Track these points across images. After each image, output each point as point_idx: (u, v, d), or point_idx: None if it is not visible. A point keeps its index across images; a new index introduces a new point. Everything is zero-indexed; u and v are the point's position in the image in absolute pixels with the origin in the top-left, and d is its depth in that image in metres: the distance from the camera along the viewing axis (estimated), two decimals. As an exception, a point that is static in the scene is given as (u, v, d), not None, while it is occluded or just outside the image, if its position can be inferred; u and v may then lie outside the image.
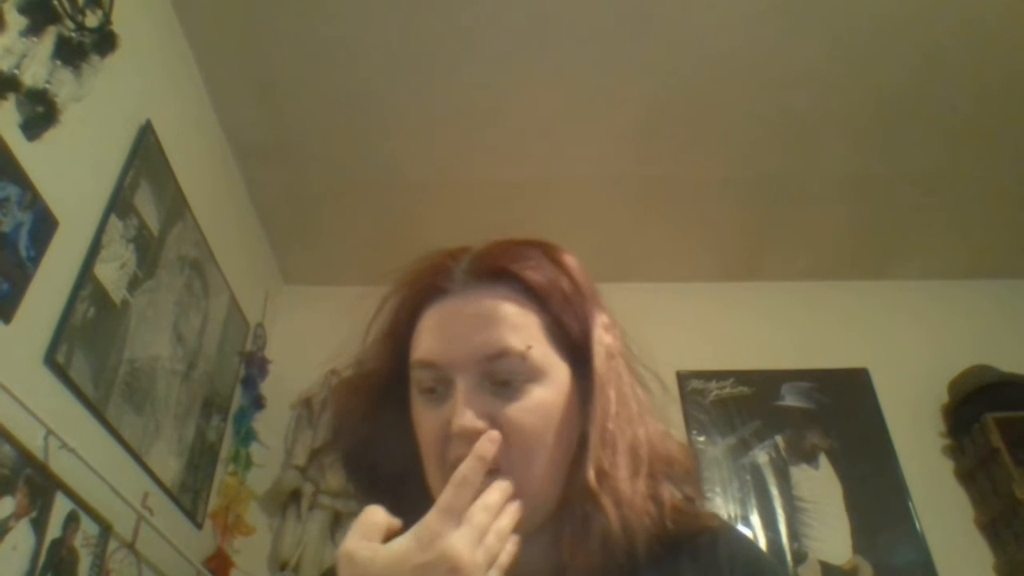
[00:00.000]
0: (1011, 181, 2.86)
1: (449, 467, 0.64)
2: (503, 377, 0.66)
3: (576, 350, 0.70)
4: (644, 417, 0.71)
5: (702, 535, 0.70)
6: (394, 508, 0.64)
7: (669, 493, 0.68)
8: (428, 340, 0.69)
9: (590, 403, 0.67)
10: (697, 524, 0.70)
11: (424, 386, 0.69)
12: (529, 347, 0.66)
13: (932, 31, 2.33)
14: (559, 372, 0.68)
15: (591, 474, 0.64)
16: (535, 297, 0.70)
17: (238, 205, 2.83)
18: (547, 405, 0.66)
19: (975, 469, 2.73)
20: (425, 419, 0.68)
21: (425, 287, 0.74)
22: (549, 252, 0.76)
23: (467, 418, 0.63)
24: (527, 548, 0.66)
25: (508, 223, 2.96)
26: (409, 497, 0.69)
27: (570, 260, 0.76)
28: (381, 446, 0.74)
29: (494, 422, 0.64)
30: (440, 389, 0.67)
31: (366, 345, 0.78)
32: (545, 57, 2.38)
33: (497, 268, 0.72)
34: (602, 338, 0.71)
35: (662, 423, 0.74)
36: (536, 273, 0.71)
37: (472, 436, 0.63)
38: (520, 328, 0.67)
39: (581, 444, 0.67)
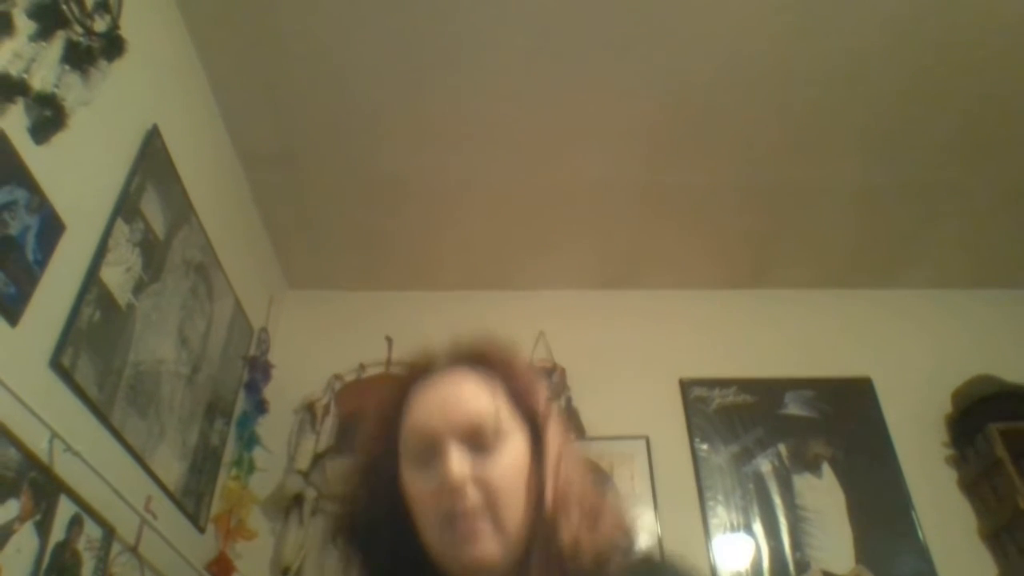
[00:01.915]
0: (1017, 191, 2.86)
1: (443, 519, 0.77)
2: (480, 441, 0.80)
3: (529, 417, 0.86)
4: (580, 472, 0.87)
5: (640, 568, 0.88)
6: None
7: (595, 533, 0.83)
8: (419, 413, 0.83)
9: (543, 458, 0.82)
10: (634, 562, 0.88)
11: (417, 453, 0.81)
12: (499, 418, 0.82)
13: (940, 42, 2.33)
14: (520, 435, 0.83)
15: (548, 505, 0.79)
16: (499, 376, 0.87)
17: (243, 209, 2.83)
18: (515, 464, 0.81)
19: (978, 479, 2.73)
20: (419, 481, 0.80)
21: (414, 371, 0.89)
22: (506, 349, 0.93)
23: (455, 475, 0.76)
24: None
25: (513, 230, 3.01)
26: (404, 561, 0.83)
27: (518, 356, 0.94)
28: (381, 518, 0.85)
29: (477, 480, 0.78)
30: (429, 455, 0.80)
31: (368, 427, 0.91)
32: (553, 66, 2.39)
33: (471, 354, 0.89)
34: (547, 410, 0.87)
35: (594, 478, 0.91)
36: (500, 359, 0.89)
37: (460, 489, 0.77)
38: (490, 401, 0.83)
39: (538, 489, 0.81)
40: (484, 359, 0.88)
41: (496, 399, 0.84)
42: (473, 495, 0.77)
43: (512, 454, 0.81)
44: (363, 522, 0.87)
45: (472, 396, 0.83)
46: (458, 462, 0.77)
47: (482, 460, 0.79)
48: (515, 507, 0.78)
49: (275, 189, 2.86)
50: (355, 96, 2.48)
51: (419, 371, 0.88)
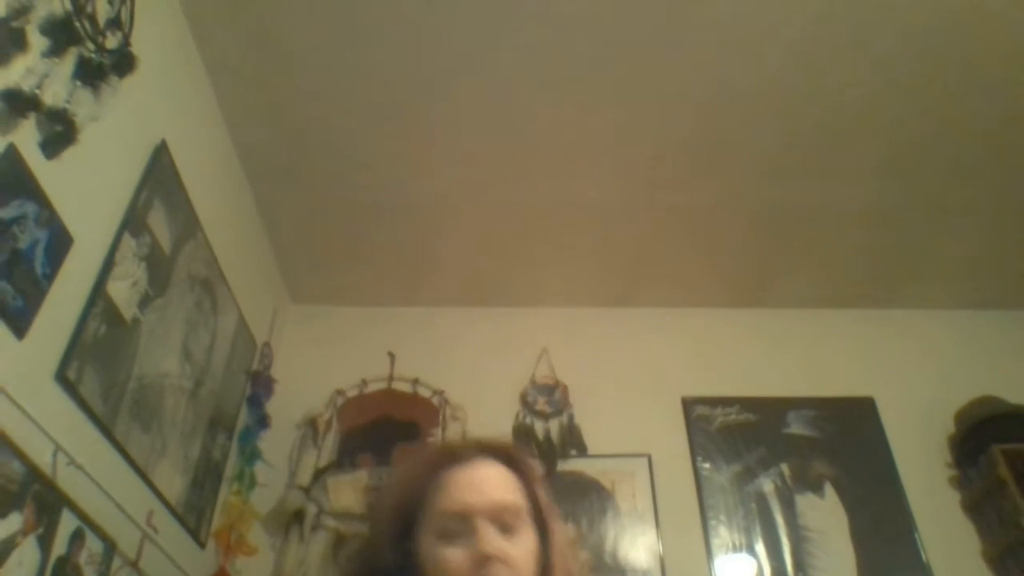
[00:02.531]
0: (1021, 212, 2.86)
1: None
2: (508, 523, 0.93)
3: (537, 508, 0.99)
4: (573, 554, 1.03)
5: None
6: None
7: None
8: (454, 491, 0.95)
9: (549, 544, 0.97)
10: None
11: (448, 529, 0.92)
12: (522, 504, 0.96)
13: (947, 63, 2.35)
14: (530, 522, 0.97)
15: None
16: (519, 471, 1.00)
17: (249, 224, 2.85)
18: (531, 546, 0.94)
19: (982, 501, 2.72)
20: (445, 550, 0.90)
21: (443, 458, 1.01)
22: (522, 449, 1.08)
23: (491, 548, 0.88)
24: None
25: (517, 246, 3.03)
26: None
27: (528, 456, 1.08)
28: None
29: (503, 555, 0.90)
30: (460, 529, 0.91)
31: (391, 498, 1.03)
32: (559, 82, 2.40)
33: (495, 449, 1.02)
34: (550, 505, 1.01)
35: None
36: (518, 457, 1.03)
37: (494, 560, 0.88)
38: (515, 490, 0.97)
39: (545, 569, 0.96)
40: (506, 455, 1.02)
41: (518, 490, 0.97)
42: (501, 567, 0.88)
43: (528, 537, 0.94)
44: None
45: (503, 484, 0.97)
46: (493, 537, 0.90)
47: (506, 539, 0.91)
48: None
49: (280, 204, 2.87)
50: (362, 111, 2.50)
51: (449, 456, 1.01)
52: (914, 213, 2.89)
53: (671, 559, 2.67)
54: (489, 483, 0.96)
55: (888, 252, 3.09)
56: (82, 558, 1.64)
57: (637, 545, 2.70)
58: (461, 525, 0.91)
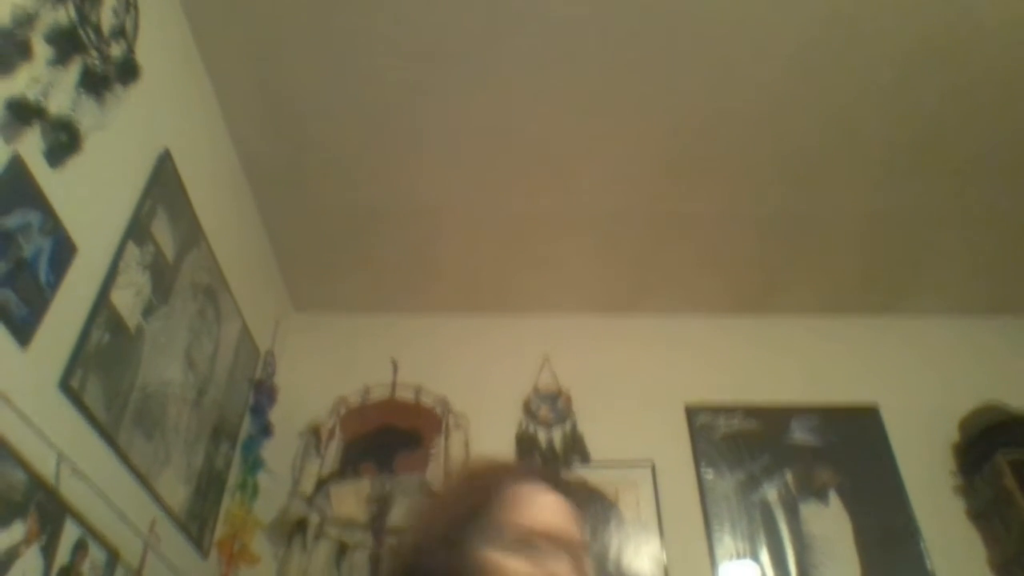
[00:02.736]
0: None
1: None
2: (575, 555, 0.94)
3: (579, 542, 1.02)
4: None
5: None
6: None
7: None
8: (529, 511, 0.96)
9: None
10: None
11: (514, 542, 0.92)
12: (584, 542, 0.99)
13: (950, 72, 2.35)
14: (582, 559, 0.98)
15: None
16: (578, 509, 1.03)
17: (252, 232, 2.85)
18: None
19: (987, 509, 2.71)
20: (516, 566, 0.90)
21: (509, 473, 1.05)
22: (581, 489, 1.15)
23: (561, 570, 0.90)
24: None
25: (520, 253, 3.02)
26: None
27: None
28: None
29: None
30: (527, 545, 0.92)
31: (438, 510, 1.05)
32: (564, 88, 2.41)
33: (558, 480, 1.05)
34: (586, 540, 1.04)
35: None
36: (578, 494, 1.06)
37: None
38: (579, 525, 1.00)
39: None
40: (566, 488, 1.04)
41: (580, 526, 1.00)
42: None
43: (572, 565, 0.95)
44: None
45: (571, 512, 1.00)
46: (561, 560, 0.92)
47: (562, 563, 0.93)
48: None
49: (283, 213, 2.87)
50: (366, 119, 2.50)
51: (515, 473, 1.06)
52: (916, 220, 2.89)
53: (675, 568, 2.66)
54: (563, 511, 1.00)
55: (891, 259, 3.09)
56: (85, 567, 1.63)
57: (641, 554, 2.69)
58: (530, 542, 0.93)
